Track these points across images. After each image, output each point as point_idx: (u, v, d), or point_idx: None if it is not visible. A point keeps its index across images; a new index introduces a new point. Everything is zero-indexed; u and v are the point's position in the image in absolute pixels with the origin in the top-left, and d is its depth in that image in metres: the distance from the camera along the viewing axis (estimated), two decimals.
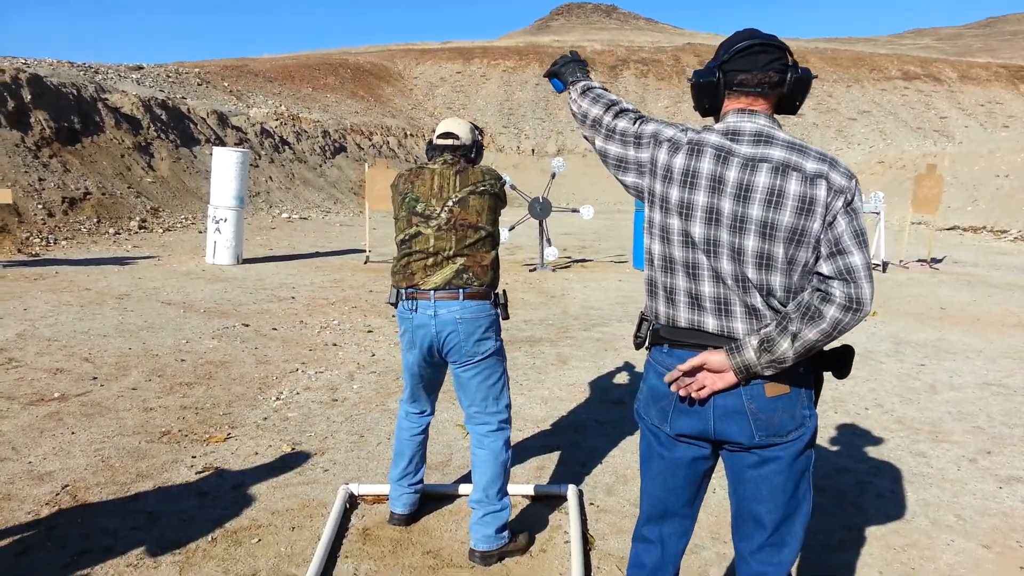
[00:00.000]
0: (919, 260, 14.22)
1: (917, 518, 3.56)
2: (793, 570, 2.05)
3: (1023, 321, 8.65)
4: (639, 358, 6.33)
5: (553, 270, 11.86)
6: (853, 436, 4.64)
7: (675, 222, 1.96)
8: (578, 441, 4.43)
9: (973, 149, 27.94)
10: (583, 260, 13.39)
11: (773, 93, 1.95)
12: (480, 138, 3.20)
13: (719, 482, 3.61)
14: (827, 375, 2.06)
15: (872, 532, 3.41)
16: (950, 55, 67.07)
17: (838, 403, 5.23)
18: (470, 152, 3.12)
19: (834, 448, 4.44)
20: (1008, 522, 3.54)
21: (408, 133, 34.96)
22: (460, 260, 2.98)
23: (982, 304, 9.75)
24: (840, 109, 44.01)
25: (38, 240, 11.68)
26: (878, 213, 13.42)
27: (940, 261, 14.50)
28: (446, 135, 3.11)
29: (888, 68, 50.22)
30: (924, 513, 3.61)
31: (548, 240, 12.25)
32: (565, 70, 2.37)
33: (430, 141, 3.16)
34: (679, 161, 1.95)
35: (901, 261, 13.89)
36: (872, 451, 4.41)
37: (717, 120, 2.03)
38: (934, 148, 33.27)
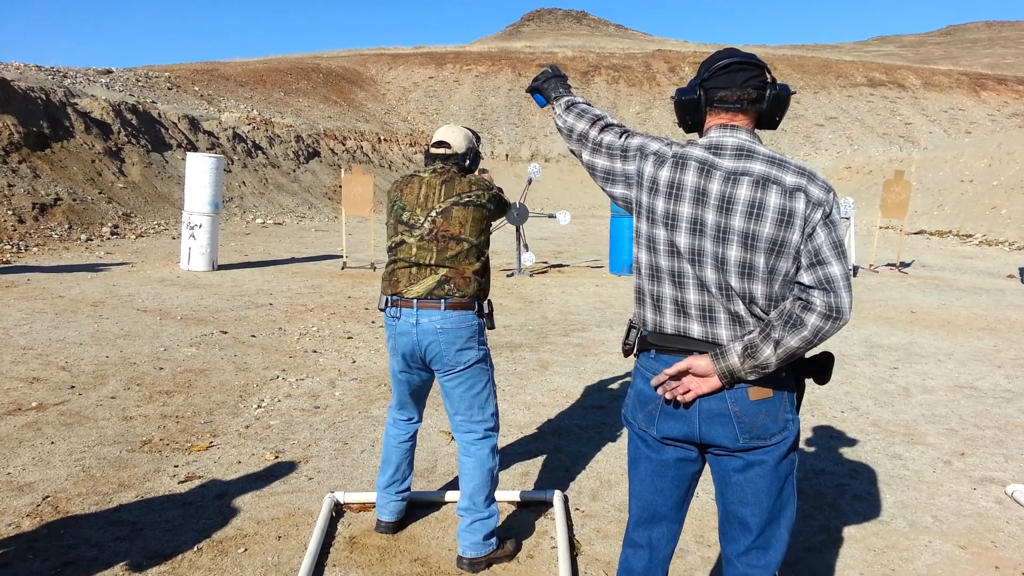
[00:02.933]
0: (888, 264, 14.47)
1: (895, 520, 3.64)
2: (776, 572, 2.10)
3: (991, 324, 8.84)
4: (619, 363, 6.38)
5: (530, 275, 11.90)
6: (830, 439, 4.72)
7: (661, 232, 2.01)
8: (561, 446, 4.46)
9: (938, 155, 28.49)
10: (559, 265, 13.45)
11: (752, 109, 2.01)
12: (477, 146, 3.20)
13: (702, 487, 3.66)
14: (808, 381, 2.12)
15: (851, 534, 3.48)
16: (913, 62, 68.37)
17: (814, 406, 5.32)
18: (463, 160, 3.11)
19: (811, 450, 4.51)
20: (983, 523, 3.63)
21: (382, 138, 34.88)
22: (442, 271, 2.98)
23: (951, 307, 9.95)
24: (807, 115, 44.65)
25: (9, 247, 11.49)
26: (848, 218, 13.65)
27: (909, 265, 14.76)
28: (439, 144, 3.11)
29: (854, 75, 51.06)
30: (902, 515, 3.69)
31: (526, 245, 12.32)
32: (548, 85, 2.41)
33: (427, 150, 3.17)
34: (664, 174, 2.00)
35: (871, 265, 14.13)
36: (849, 453, 4.49)
37: (701, 136, 2.09)
38: (900, 154, 33.86)
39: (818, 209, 1.89)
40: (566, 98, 2.34)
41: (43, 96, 16.22)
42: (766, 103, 2.02)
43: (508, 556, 3.15)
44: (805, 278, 1.88)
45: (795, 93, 2.08)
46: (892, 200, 14.06)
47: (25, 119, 15.10)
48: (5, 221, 12.31)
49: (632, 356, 2.18)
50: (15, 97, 15.19)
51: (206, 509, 3.52)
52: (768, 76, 2.03)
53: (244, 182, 21.77)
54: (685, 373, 1.98)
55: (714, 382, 1.95)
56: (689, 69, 49.79)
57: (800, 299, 1.88)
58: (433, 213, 2.99)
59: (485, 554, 3.07)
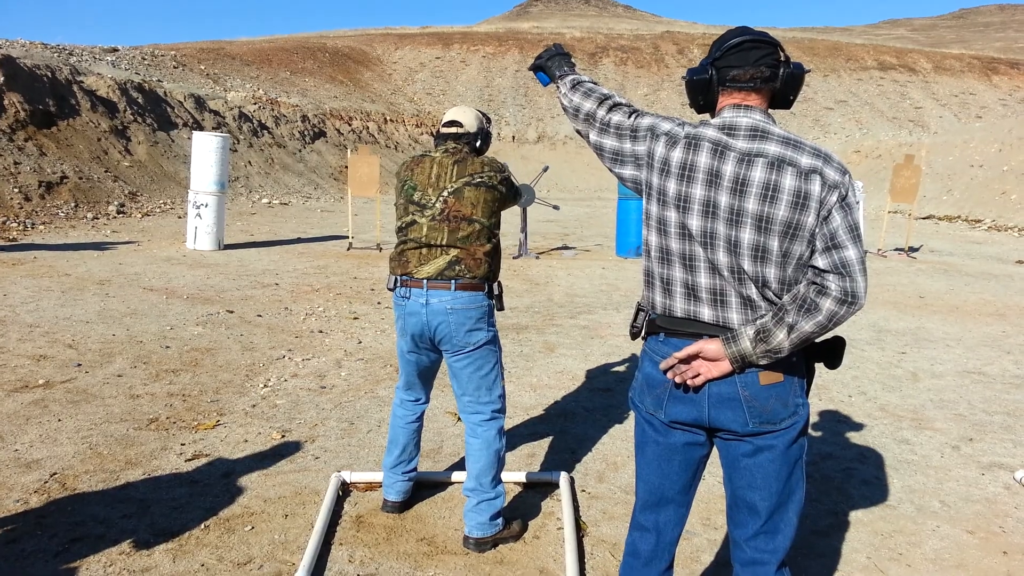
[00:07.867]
0: (897, 249, 14.40)
1: (902, 504, 3.63)
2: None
3: (1000, 310, 8.80)
4: (625, 346, 6.37)
5: (537, 257, 11.87)
6: (837, 423, 4.71)
7: (672, 214, 1.98)
8: (568, 428, 4.46)
9: (948, 139, 28.27)
10: (565, 247, 13.41)
11: (766, 88, 1.97)
12: (488, 126, 3.18)
13: (709, 469, 3.65)
14: (818, 365, 2.09)
15: (858, 518, 3.47)
16: (924, 46, 67.66)
17: (822, 390, 5.30)
18: (475, 140, 3.11)
19: (819, 434, 4.50)
20: (991, 508, 3.62)
21: (388, 118, 34.73)
22: (453, 251, 2.97)
23: (959, 293, 9.90)
24: (817, 98, 44.28)
25: (15, 225, 11.50)
26: (857, 202, 13.58)
27: (917, 250, 14.68)
28: (450, 123, 3.10)
29: (864, 58, 50.57)
30: (909, 499, 3.68)
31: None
32: (551, 64, 2.37)
33: (437, 130, 3.15)
34: (676, 155, 1.97)
35: (879, 250, 14.05)
36: (856, 438, 4.48)
37: (713, 116, 2.05)
38: (909, 138, 33.61)
39: (834, 191, 1.86)
40: (571, 76, 2.29)
41: (49, 74, 16.17)
42: (780, 82, 1.98)
43: (514, 536, 3.15)
44: (820, 262, 1.85)
45: (810, 71, 2.04)
46: (901, 185, 13.96)
47: (31, 97, 15.06)
48: (11, 199, 12.31)
49: (640, 339, 2.15)
50: (21, 75, 15.14)
51: (213, 487, 3.52)
52: (782, 54, 1.98)
53: (250, 162, 21.72)
54: (695, 357, 1.96)
55: (724, 366, 1.93)
56: (698, 51, 49.37)
57: (815, 283, 1.85)
58: (445, 193, 2.98)
59: (491, 534, 3.07)
